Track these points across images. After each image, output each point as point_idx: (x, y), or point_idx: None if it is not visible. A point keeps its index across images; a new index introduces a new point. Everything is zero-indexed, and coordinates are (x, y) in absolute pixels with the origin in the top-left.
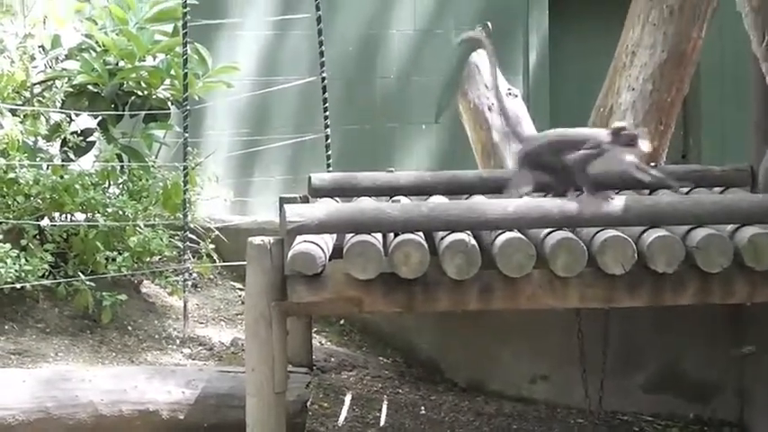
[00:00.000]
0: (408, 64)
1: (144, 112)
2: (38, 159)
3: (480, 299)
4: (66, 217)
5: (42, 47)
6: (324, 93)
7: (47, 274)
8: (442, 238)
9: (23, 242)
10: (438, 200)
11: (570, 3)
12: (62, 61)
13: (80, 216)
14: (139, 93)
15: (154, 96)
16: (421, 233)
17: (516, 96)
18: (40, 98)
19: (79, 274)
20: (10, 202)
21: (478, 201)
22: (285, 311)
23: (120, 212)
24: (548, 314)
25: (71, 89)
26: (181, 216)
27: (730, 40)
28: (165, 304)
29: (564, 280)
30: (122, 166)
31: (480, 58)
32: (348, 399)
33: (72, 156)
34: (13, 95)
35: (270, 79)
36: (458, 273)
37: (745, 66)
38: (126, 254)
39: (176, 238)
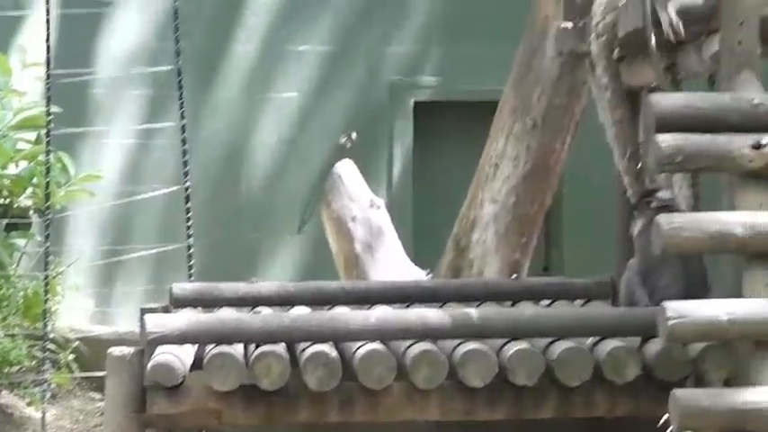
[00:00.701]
0: (273, 173)
1: (5, 221)
2: None
3: (341, 411)
4: None
5: None
6: (187, 202)
7: None
8: (304, 350)
9: None
10: (300, 311)
11: (434, 114)
12: None
13: None
14: (1, 201)
15: (16, 205)
16: (282, 344)
17: (380, 207)
18: None
19: None
20: None
21: (340, 312)
22: (144, 423)
23: None
24: (408, 426)
25: None
26: (41, 326)
27: (593, 152)
28: (24, 415)
29: (424, 392)
30: None
31: (344, 168)
32: None
33: None
34: None
35: (134, 188)
36: (318, 385)
37: (608, 179)
38: None
39: (36, 348)
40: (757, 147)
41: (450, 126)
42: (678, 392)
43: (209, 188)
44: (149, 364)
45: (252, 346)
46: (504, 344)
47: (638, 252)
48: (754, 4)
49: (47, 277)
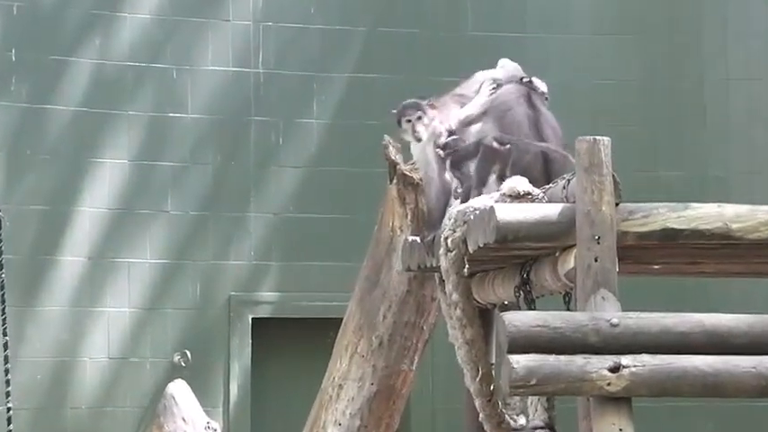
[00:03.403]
0: (101, 393)
1: None
2: None
3: None
4: None
5: None
6: (9, 425)
7: None
8: None
9: None
10: None
11: (274, 332)
12: None
13: None
14: None
15: None
16: None
17: (216, 430)
18: None
19: None
20: None
21: None
22: None
23: None
24: None
25: None
26: None
27: (442, 373)
28: None
29: None
30: None
31: (178, 388)
32: None
33: None
34: None
35: None
36: None
37: (458, 400)
38: None
39: None
40: (616, 369)
41: (291, 343)
42: None
43: (33, 409)
44: None
45: None
46: None
47: None
48: (611, 219)
49: None
